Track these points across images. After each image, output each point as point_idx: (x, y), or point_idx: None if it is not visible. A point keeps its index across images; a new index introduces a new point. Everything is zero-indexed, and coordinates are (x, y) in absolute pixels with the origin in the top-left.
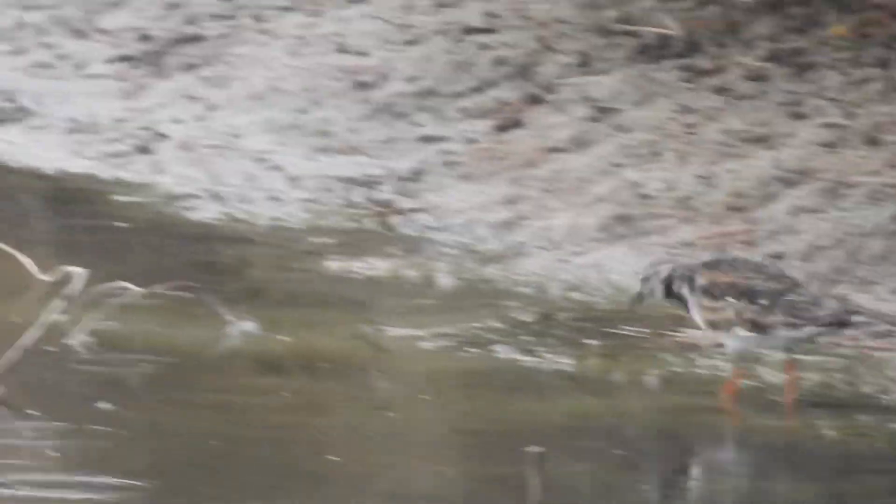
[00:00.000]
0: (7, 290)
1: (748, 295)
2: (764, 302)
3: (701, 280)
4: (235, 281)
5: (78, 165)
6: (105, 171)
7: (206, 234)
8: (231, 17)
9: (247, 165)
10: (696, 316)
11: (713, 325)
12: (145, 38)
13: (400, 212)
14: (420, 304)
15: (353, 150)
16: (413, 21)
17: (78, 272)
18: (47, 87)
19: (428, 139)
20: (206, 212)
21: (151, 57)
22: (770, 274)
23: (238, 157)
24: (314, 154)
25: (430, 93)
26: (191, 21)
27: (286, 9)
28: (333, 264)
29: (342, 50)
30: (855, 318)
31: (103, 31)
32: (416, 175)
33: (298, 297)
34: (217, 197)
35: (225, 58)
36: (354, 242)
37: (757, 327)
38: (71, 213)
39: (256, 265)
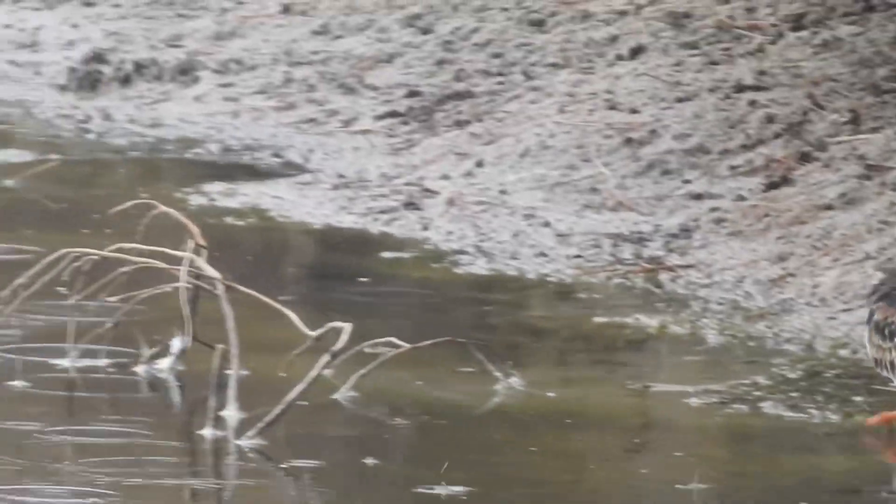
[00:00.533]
0: (274, 345)
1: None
2: None
3: (877, 314)
4: (502, 337)
5: (345, 221)
6: (372, 227)
7: (473, 290)
8: (501, 74)
9: (515, 222)
10: (867, 347)
11: (878, 363)
12: (414, 93)
13: (668, 268)
14: (687, 361)
15: (622, 206)
16: (684, 78)
17: (344, 327)
18: (315, 142)
19: (697, 196)
20: (473, 268)
21: (420, 113)
22: None
23: (506, 214)
24: (583, 210)
25: (699, 150)
26: (460, 77)
27: (556, 66)
28: (601, 321)
29: (612, 107)
30: None
31: (372, 87)
32: (684, 232)
33: (565, 353)
34: (485, 253)
35: (494, 114)
36: (622, 299)
37: None
38: (338, 269)
39: (523, 322)
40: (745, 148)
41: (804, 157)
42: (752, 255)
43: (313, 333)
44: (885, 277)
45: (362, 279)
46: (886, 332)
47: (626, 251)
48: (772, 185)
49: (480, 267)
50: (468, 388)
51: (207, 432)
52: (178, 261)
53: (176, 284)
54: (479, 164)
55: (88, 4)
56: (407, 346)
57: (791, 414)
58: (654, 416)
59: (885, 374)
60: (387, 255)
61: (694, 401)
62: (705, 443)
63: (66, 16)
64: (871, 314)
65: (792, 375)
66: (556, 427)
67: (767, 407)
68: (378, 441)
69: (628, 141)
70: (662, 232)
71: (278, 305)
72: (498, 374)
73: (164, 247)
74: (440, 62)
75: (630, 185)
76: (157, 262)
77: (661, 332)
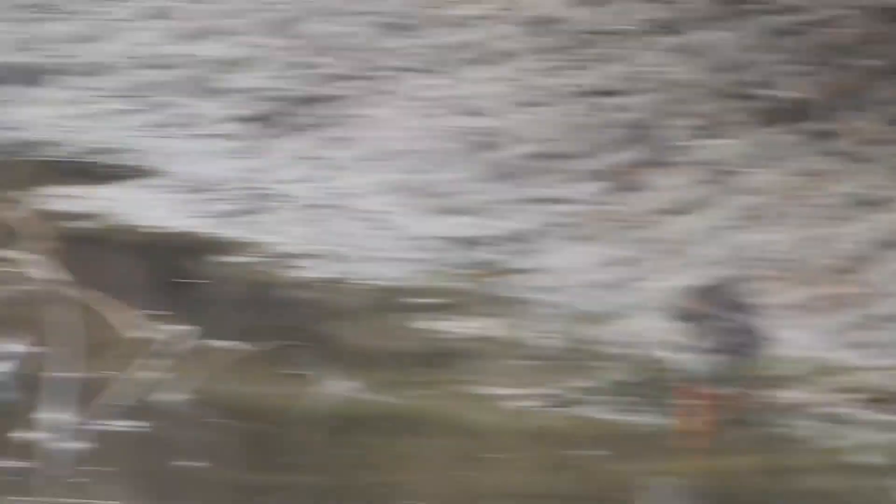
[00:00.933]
0: (103, 345)
1: (690, 319)
2: (696, 327)
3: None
4: (335, 340)
5: (193, 224)
6: (220, 230)
7: (311, 294)
8: (351, 78)
9: (358, 226)
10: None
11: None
12: (266, 97)
13: (508, 273)
14: (524, 365)
15: (466, 211)
16: (534, 83)
17: (178, 330)
18: (167, 145)
19: (543, 200)
20: (313, 271)
21: (272, 116)
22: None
23: (349, 218)
24: (426, 215)
25: (547, 154)
26: (312, 81)
27: (407, 70)
28: (437, 324)
29: (462, 111)
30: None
31: (224, 90)
32: (526, 236)
33: (397, 356)
34: (331, 256)
35: (344, 118)
36: (460, 303)
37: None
38: (176, 271)
39: (360, 325)
40: (594, 152)
41: (653, 162)
42: (595, 260)
43: (158, 335)
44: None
45: (209, 282)
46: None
47: (468, 255)
48: (619, 190)
49: (327, 270)
50: (298, 391)
51: (28, 434)
52: (20, 263)
53: (16, 286)
54: (328, 168)
55: None
56: (241, 347)
57: (617, 417)
58: (484, 420)
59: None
60: (233, 258)
61: (526, 404)
62: (534, 446)
63: None
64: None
65: (629, 380)
66: (384, 431)
67: (600, 411)
68: (201, 443)
69: (477, 145)
70: (507, 236)
71: (110, 305)
72: (331, 377)
73: (5, 248)
74: (290, 66)
75: (477, 189)
76: (3, 264)
77: (497, 335)
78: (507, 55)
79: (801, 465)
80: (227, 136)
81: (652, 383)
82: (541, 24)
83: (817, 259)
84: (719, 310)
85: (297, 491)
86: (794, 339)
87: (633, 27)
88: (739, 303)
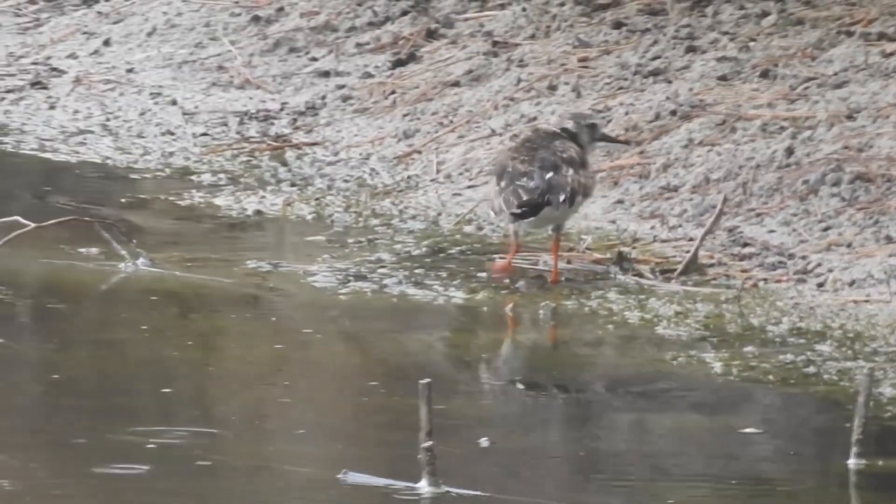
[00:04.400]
0: None
1: (499, 177)
2: (503, 184)
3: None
4: (128, 216)
5: None
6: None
7: (99, 170)
8: None
9: (142, 100)
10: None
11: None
12: None
13: (295, 146)
14: (313, 241)
15: (249, 84)
16: None
17: None
18: None
19: (324, 74)
20: (100, 147)
21: None
22: (537, 157)
23: (133, 93)
24: (210, 89)
25: (327, 27)
26: None
27: None
28: (227, 200)
29: None
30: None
31: None
32: (311, 109)
33: (191, 232)
34: (112, 132)
35: None
36: (248, 177)
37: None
38: None
39: (149, 200)
40: (373, 25)
41: (431, 34)
42: (378, 133)
43: None
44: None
45: None
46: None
47: (253, 129)
48: (399, 63)
49: (107, 146)
50: (94, 267)
51: None
52: None
53: None
54: (107, 43)
55: None
56: (32, 224)
57: (415, 291)
58: (277, 293)
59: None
60: (13, 136)
61: (320, 279)
62: (329, 321)
63: None
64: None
65: (417, 252)
66: (178, 304)
67: (392, 284)
68: (3, 322)
69: (256, 19)
70: (289, 110)
71: None
72: (124, 253)
73: None
74: None
75: (257, 63)
76: None
77: (288, 211)
78: None
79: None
80: (3, 11)
81: (449, 256)
82: None
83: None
84: (524, 166)
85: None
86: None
87: None
88: (543, 159)
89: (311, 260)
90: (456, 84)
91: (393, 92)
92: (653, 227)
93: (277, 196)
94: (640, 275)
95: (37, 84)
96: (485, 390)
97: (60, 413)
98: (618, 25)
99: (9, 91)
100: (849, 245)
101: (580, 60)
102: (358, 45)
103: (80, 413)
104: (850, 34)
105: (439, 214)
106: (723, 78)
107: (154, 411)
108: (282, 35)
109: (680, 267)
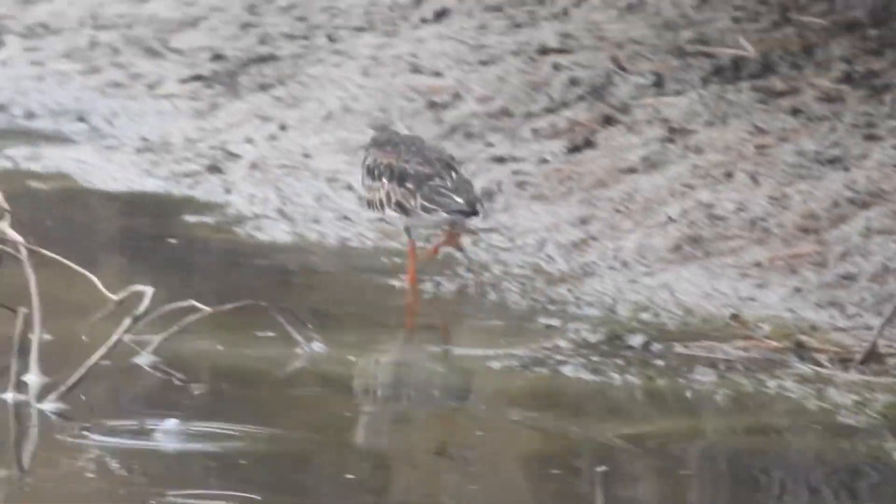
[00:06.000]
0: (77, 309)
1: (399, 178)
2: (410, 186)
3: (368, 159)
4: (304, 301)
5: (148, 184)
6: (175, 190)
7: (275, 254)
8: (305, 37)
9: (318, 185)
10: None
11: (370, 204)
12: (219, 57)
13: (471, 232)
14: (488, 325)
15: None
16: (487, 41)
17: (146, 291)
18: (119, 106)
19: (500, 159)
20: (276, 231)
21: (224, 76)
22: (427, 158)
23: (309, 178)
24: None
25: (503, 113)
26: (265, 41)
27: (360, 29)
28: (402, 284)
29: (416, 70)
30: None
31: (176, 51)
32: (487, 195)
33: (367, 316)
34: (287, 217)
35: (298, 77)
36: (424, 263)
37: (401, 209)
38: (141, 233)
39: (325, 285)
40: (549, 111)
41: (607, 120)
42: (554, 219)
43: (115, 297)
44: (376, 134)
45: (165, 242)
46: (376, 172)
47: None
48: (575, 148)
49: (283, 231)
50: (269, 351)
51: (9, 396)
52: None
53: None
54: (283, 128)
55: None
56: (209, 309)
57: (592, 377)
58: (454, 378)
59: (375, 212)
60: (190, 218)
61: (495, 364)
62: (508, 406)
63: None
64: (365, 158)
65: (593, 339)
66: (355, 389)
67: (568, 370)
68: (179, 404)
69: (431, 104)
70: None
71: (81, 269)
72: (299, 337)
73: None
74: (245, 25)
75: None
76: None
77: (464, 295)
78: (454, 13)
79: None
80: (177, 97)
81: (625, 343)
82: None
83: (777, 218)
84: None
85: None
86: (758, 297)
87: None
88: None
89: (487, 345)
90: (632, 170)
91: (569, 178)
92: (831, 316)
93: (453, 281)
94: (818, 364)
95: (213, 168)
96: (664, 478)
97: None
98: (795, 112)
99: (186, 175)
100: None
101: (757, 147)
102: (534, 130)
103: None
104: None
105: (616, 301)
106: None
107: (332, 498)
108: (458, 120)
109: (859, 356)
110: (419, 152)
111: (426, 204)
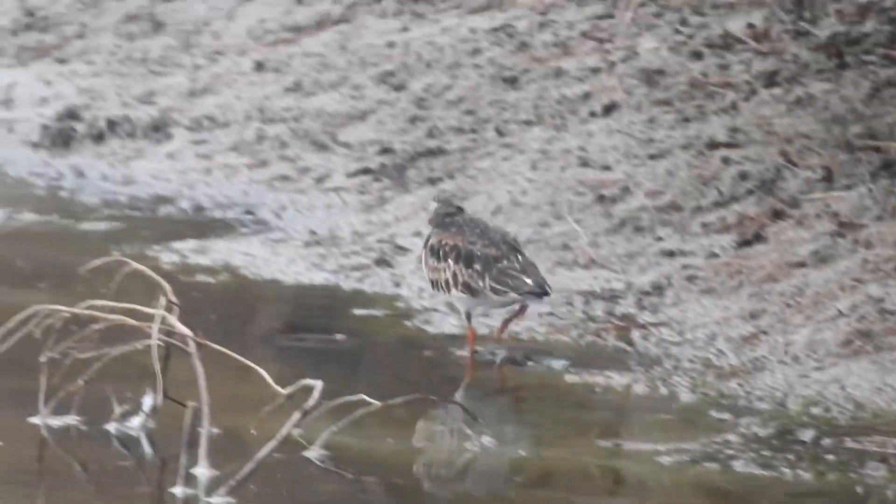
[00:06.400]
0: (246, 403)
1: (466, 259)
2: (478, 267)
3: (431, 239)
4: (473, 394)
5: (317, 278)
6: (344, 284)
7: (444, 347)
8: (473, 131)
9: None
10: (424, 271)
11: (434, 284)
12: (387, 151)
13: (640, 326)
14: (659, 419)
15: (594, 263)
16: (656, 135)
17: (315, 385)
18: (287, 199)
19: (669, 253)
20: (445, 325)
21: (393, 170)
22: (493, 240)
23: None
24: (555, 268)
25: (672, 207)
26: (433, 134)
27: (529, 122)
28: (573, 378)
29: (585, 164)
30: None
31: (344, 144)
32: (656, 289)
33: (535, 411)
34: (457, 311)
35: (467, 171)
36: (594, 357)
37: (469, 290)
38: (309, 326)
39: (494, 379)
40: (718, 205)
41: (777, 215)
42: (724, 313)
43: (284, 391)
44: (438, 206)
45: (334, 336)
46: (441, 253)
47: (598, 308)
48: (744, 243)
49: (452, 324)
50: (439, 446)
51: (178, 490)
52: (149, 318)
53: (147, 342)
54: None
55: (62, 61)
56: (378, 403)
57: (763, 472)
58: (625, 474)
59: (439, 293)
60: (359, 311)
61: (665, 459)
62: (678, 501)
63: (40, 72)
64: (428, 239)
65: (763, 433)
66: (528, 485)
67: (739, 465)
68: (349, 499)
69: (601, 198)
70: (634, 289)
71: (249, 363)
72: (469, 431)
73: (135, 304)
74: (413, 119)
75: (602, 242)
76: (129, 319)
77: (633, 390)
78: (623, 107)
79: None
80: (345, 190)
81: (797, 438)
82: (652, 75)
83: None
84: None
85: None
86: None
87: (744, 79)
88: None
89: (657, 439)
90: (802, 264)
91: (738, 272)
92: None
93: (623, 375)
94: None
95: (382, 262)
96: None
97: None
98: None
99: (354, 268)
100: None
101: None
102: (703, 224)
103: None
104: None
105: (786, 396)
106: None
107: None
108: (627, 214)
109: None
110: (484, 234)
111: (496, 286)
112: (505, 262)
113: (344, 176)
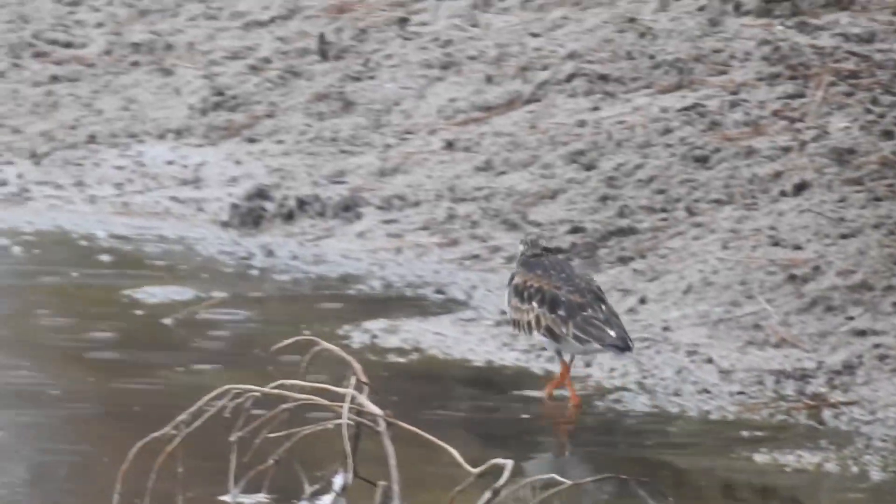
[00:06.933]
0: (436, 482)
1: (550, 304)
2: (562, 314)
3: (516, 278)
4: (665, 473)
5: (508, 358)
6: (535, 365)
7: (636, 428)
8: (664, 210)
9: (678, 359)
10: (506, 308)
11: (515, 324)
12: (577, 230)
13: (831, 405)
14: (850, 498)
15: (785, 343)
16: (848, 214)
17: (506, 464)
18: (478, 278)
19: (861, 332)
20: (636, 404)
21: (583, 249)
22: (578, 287)
23: (669, 351)
24: (746, 347)
25: (863, 286)
26: (623, 213)
27: (720, 202)
28: (763, 458)
29: (776, 243)
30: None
31: (535, 223)
32: (848, 368)
33: (728, 489)
34: (647, 390)
35: (658, 250)
36: (785, 436)
37: (551, 334)
38: (499, 406)
39: (687, 459)
40: None
41: None
42: None
43: (475, 470)
44: (525, 248)
45: (524, 416)
46: (525, 294)
47: (789, 388)
48: None
49: (643, 404)
50: None
51: None
52: (339, 397)
53: (338, 421)
54: (643, 301)
55: (251, 141)
56: (569, 482)
57: None
58: None
59: (520, 333)
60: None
61: None
62: None
63: (230, 152)
64: (512, 278)
65: None
66: None
67: None
68: None
69: (791, 277)
70: (825, 368)
71: (439, 442)
72: None
73: (325, 383)
74: (603, 198)
75: (793, 321)
76: (319, 398)
77: (825, 469)
78: (814, 186)
79: None
80: None
81: None
82: (843, 154)
83: None
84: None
85: None
86: None
87: None
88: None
89: None
90: None
91: None
92: None
93: (814, 455)
94: None
95: None
96: None
97: None
98: None
99: (544, 349)
100: None
101: None
102: (894, 304)
103: None
104: None
105: None
106: None
107: None
108: (818, 293)
109: None
110: (569, 279)
111: (579, 334)
112: (589, 311)
113: None
